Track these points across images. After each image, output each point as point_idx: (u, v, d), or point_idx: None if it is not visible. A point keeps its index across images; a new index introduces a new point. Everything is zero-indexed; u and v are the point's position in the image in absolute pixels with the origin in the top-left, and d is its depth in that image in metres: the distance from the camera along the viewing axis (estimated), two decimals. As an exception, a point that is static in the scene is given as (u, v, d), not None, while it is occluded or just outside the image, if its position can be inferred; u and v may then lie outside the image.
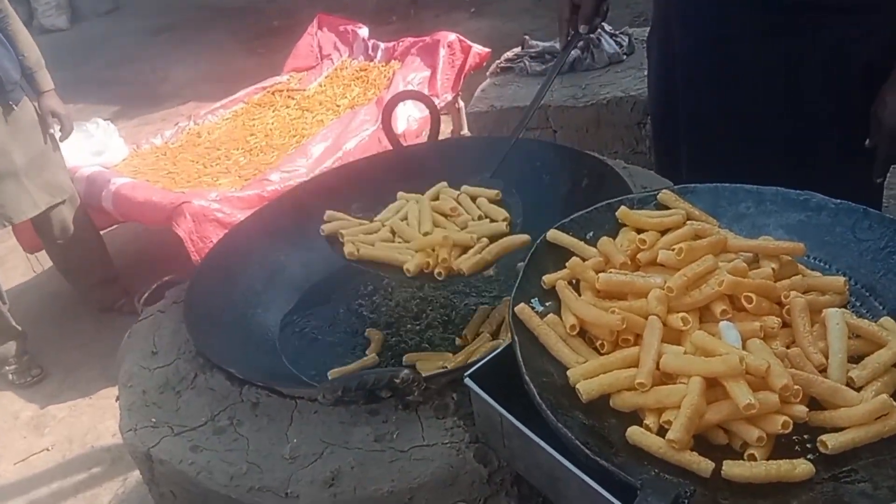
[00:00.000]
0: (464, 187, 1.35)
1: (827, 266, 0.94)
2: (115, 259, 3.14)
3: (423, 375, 0.92)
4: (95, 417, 2.59)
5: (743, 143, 1.34)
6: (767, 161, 0.99)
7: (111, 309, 3.03)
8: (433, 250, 1.15)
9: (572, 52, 2.98)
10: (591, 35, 3.01)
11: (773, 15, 1.27)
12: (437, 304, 1.32)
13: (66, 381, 2.80)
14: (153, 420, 1.10)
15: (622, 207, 0.98)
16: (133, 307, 1.38)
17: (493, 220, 1.25)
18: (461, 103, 3.59)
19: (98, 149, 3.12)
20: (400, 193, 1.36)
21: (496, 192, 1.33)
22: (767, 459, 0.73)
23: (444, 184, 1.36)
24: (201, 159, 3.17)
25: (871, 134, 1.29)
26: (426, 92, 3.48)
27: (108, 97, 5.65)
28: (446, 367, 1.06)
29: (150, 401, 1.14)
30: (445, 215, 1.28)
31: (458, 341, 1.20)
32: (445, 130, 3.95)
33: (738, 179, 1.01)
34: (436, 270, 1.13)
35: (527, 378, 0.80)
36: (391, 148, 1.56)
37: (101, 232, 3.05)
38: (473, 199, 1.32)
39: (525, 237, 1.17)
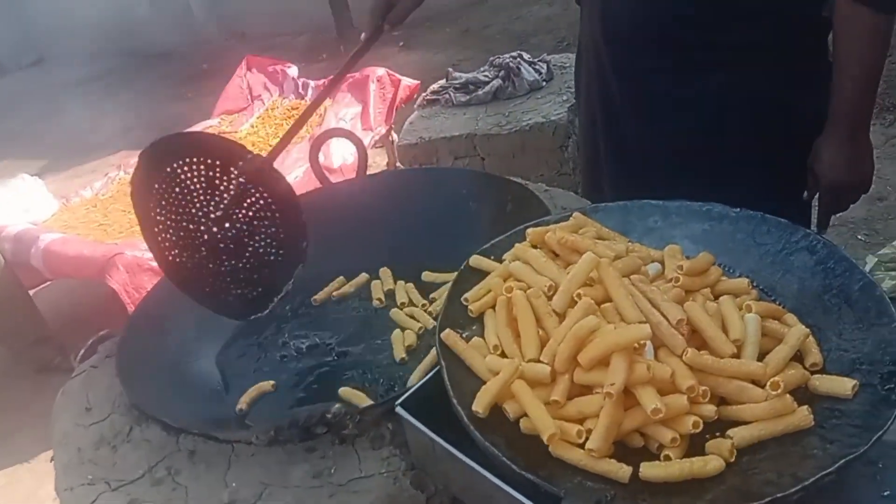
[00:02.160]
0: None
1: (732, 271, 1.00)
2: (49, 317, 3.06)
3: (357, 408, 0.93)
4: (35, 483, 2.51)
5: (664, 177, 1.35)
6: (695, 195, 1.04)
7: (47, 369, 2.95)
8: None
9: (494, 83, 3.08)
10: (511, 65, 3.12)
11: (680, 52, 1.30)
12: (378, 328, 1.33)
13: (2, 447, 2.71)
14: (90, 477, 1.08)
15: (529, 229, 1.02)
16: (70, 365, 1.36)
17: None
18: (395, 136, 3.65)
19: (25, 205, 3.06)
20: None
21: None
22: (683, 458, 0.77)
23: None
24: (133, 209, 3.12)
25: (809, 187, 1.33)
26: (360, 126, 3.53)
27: (35, 151, 5.54)
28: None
29: (85, 458, 1.12)
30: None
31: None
32: (381, 163, 4.00)
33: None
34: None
35: (454, 401, 0.83)
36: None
37: (33, 290, 2.97)
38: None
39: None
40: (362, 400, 1.06)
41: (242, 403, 1.15)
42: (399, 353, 1.17)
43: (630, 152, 1.47)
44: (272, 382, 1.19)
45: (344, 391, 1.10)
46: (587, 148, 1.65)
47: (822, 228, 1.37)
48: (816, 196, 1.35)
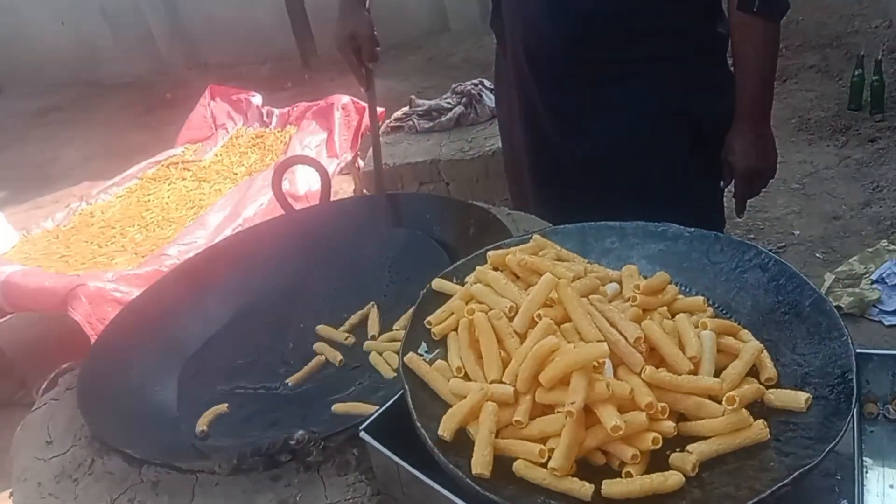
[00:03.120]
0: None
1: (688, 289, 1.02)
2: (10, 350, 2.99)
3: (320, 434, 0.93)
4: (-5, 521, 2.43)
5: (591, 188, 1.50)
6: (617, 206, 1.13)
7: (9, 403, 2.87)
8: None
9: (457, 109, 3.12)
10: (473, 91, 3.16)
11: (595, 67, 1.44)
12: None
13: (-40, 486, 2.62)
14: (50, 512, 1.06)
15: (489, 252, 1.03)
16: (32, 399, 1.33)
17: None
18: (361, 162, 3.66)
19: (-17, 238, 3.01)
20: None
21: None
22: (645, 474, 0.78)
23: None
24: (96, 239, 3.09)
25: (724, 176, 1.50)
26: (325, 153, 3.54)
27: (-6, 183, 5.44)
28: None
29: (45, 492, 1.10)
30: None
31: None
32: (349, 189, 4.00)
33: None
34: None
35: (418, 425, 0.83)
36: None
37: (-9, 324, 2.91)
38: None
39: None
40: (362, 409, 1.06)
41: (202, 426, 1.14)
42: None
43: (555, 166, 1.58)
44: (226, 405, 1.18)
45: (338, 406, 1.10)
46: (511, 165, 1.81)
47: (739, 213, 1.54)
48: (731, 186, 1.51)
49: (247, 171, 3.48)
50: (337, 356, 1.22)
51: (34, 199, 5.02)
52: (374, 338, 1.25)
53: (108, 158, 5.11)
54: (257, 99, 4.09)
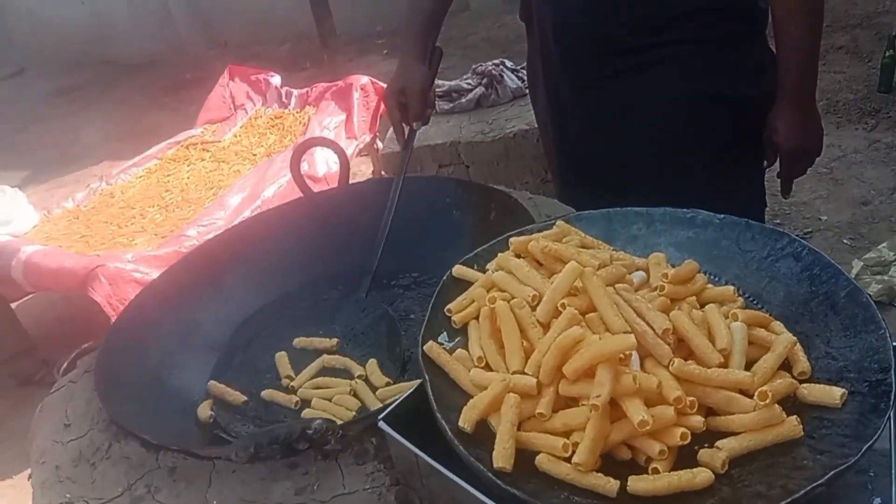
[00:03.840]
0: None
1: (717, 278, 0.99)
2: (32, 329, 3.02)
3: (339, 423, 0.91)
4: (16, 500, 2.46)
5: (622, 178, 1.43)
6: (650, 197, 1.08)
7: (30, 382, 2.91)
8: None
9: (477, 90, 3.08)
10: (494, 72, 3.12)
11: (627, 56, 1.37)
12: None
13: (-18, 463, 2.66)
14: (67, 496, 1.05)
15: (512, 238, 1.01)
16: (53, 378, 1.33)
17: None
18: (380, 144, 3.63)
19: (5, 218, 3.02)
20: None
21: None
22: (672, 470, 0.75)
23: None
24: (115, 220, 3.10)
25: (768, 157, 1.44)
26: (344, 135, 3.51)
27: (16, 162, 5.48)
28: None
29: (63, 476, 1.09)
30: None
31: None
32: (367, 171, 3.98)
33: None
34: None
35: (438, 415, 0.81)
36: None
37: (15, 303, 2.93)
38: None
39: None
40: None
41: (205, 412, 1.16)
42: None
43: (585, 158, 1.54)
44: (244, 398, 1.17)
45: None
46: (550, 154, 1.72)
47: (786, 194, 1.48)
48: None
49: (266, 151, 3.47)
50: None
51: (55, 178, 5.05)
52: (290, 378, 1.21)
53: (127, 138, 5.13)
54: (276, 79, 4.07)
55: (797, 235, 2.64)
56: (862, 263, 2.41)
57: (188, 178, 3.38)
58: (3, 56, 8.08)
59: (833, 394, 0.78)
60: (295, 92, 3.96)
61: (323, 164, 3.16)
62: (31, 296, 3.04)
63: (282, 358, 1.25)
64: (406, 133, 1.48)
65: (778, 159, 1.42)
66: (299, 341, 1.28)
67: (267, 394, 1.19)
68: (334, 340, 1.26)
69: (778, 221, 2.86)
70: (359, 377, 1.17)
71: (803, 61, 1.32)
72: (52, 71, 7.48)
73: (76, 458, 1.12)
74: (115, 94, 6.47)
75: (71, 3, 7.46)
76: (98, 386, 1.17)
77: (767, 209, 1.55)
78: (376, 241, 1.38)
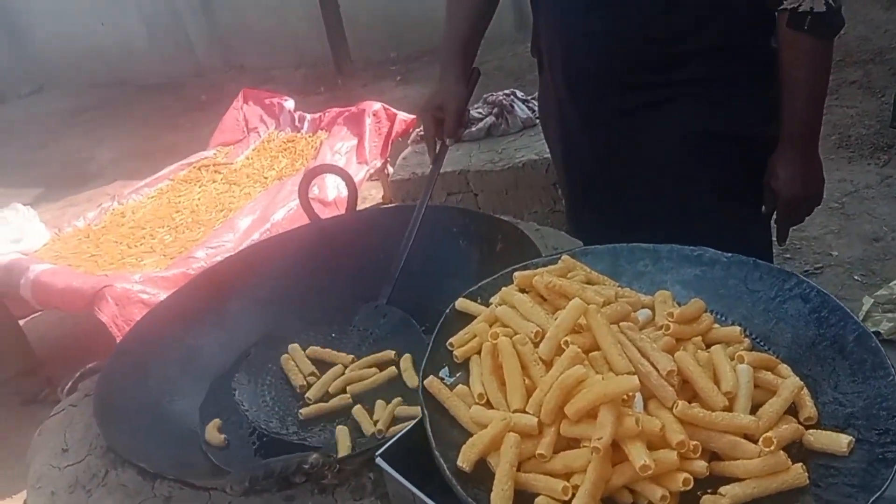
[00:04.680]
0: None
1: (724, 318, 0.97)
2: (38, 347, 3.03)
3: (336, 458, 0.90)
4: (15, 520, 2.45)
5: (631, 213, 1.42)
6: (656, 233, 1.06)
7: (35, 401, 2.90)
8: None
9: (488, 120, 3.09)
10: (505, 102, 3.13)
11: (639, 92, 1.36)
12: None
13: (-17, 482, 2.65)
14: (62, 523, 1.05)
15: (516, 273, 1.00)
16: (57, 397, 1.33)
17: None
18: (390, 169, 3.65)
19: (16, 236, 3.04)
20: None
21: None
22: (673, 516, 0.74)
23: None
24: (125, 240, 3.11)
25: (766, 202, 1.40)
26: (355, 160, 3.53)
27: (30, 180, 5.54)
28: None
29: (58, 502, 1.09)
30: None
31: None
32: (377, 196, 3.99)
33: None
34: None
35: (436, 453, 0.80)
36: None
37: (22, 321, 2.94)
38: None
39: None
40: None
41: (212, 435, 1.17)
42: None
43: (595, 193, 1.53)
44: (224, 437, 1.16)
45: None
46: (563, 188, 1.72)
47: (782, 241, 1.45)
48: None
49: (277, 175, 3.49)
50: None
51: (68, 197, 5.09)
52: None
53: (141, 159, 5.17)
54: (290, 103, 4.11)
55: (807, 271, 2.60)
56: (873, 300, 2.37)
57: (199, 199, 3.40)
58: (23, 74, 8.19)
59: (840, 441, 0.76)
60: (308, 116, 4.00)
61: (333, 188, 3.17)
62: (38, 314, 3.05)
63: (291, 368, 1.26)
64: (438, 148, 1.50)
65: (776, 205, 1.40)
66: (313, 351, 1.28)
67: (305, 411, 1.18)
68: (350, 357, 1.27)
69: (788, 256, 2.84)
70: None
71: (808, 107, 1.30)
72: (71, 90, 7.58)
73: (72, 485, 1.11)
74: (132, 115, 6.54)
75: (91, 25, 7.58)
76: (97, 412, 1.16)
77: (776, 243, 1.52)
78: (401, 247, 1.38)
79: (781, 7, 1.22)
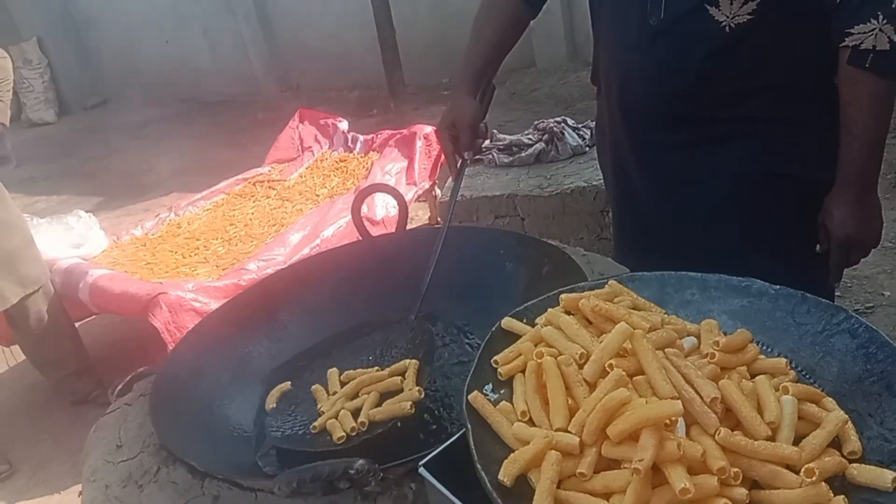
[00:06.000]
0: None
1: (769, 349, 0.97)
2: (91, 350, 3.13)
3: (380, 466, 0.93)
4: (63, 514, 2.53)
5: (681, 247, 1.41)
6: (709, 270, 1.06)
7: (85, 401, 3.00)
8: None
9: (538, 146, 3.12)
10: (556, 129, 3.16)
11: (694, 127, 1.36)
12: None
13: (35, 476, 2.74)
14: (114, 516, 1.09)
15: (562, 295, 1.01)
16: (107, 399, 1.38)
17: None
18: (438, 191, 3.69)
19: (77, 241, 3.16)
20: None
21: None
22: (712, 542, 0.74)
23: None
24: (180, 249, 3.21)
25: (821, 241, 1.37)
26: (404, 181, 3.59)
27: (91, 189, 5.74)
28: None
29: (112, 495, 1.13)
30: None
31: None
32: (424, 217, 4.04)
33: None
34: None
35: (478, 467, 0.82)
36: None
37: (79, 323, 3.05)
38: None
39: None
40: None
41: (270, 404, 1.25)
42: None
43: (645, 225, 1.53)
44: (289, 382, 1.27)
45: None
46: (615, 214, 1.72)
47: (834, 282, 1.41)
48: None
49: (329, 193, 3.56)
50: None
51: (126, 206, 5.27)
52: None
53: (198, 172, 5.32)
54: (344, 124, 4.20)
55: (858, 310, 2.55)
56: (926, 343, 2.32)
57: (252, 213, 3.49)
58: (90, 87, 8.53)
59: (885, 476, 0.76)
60: (361, 137, 4.08)
61: (382, 208, 3.23)
62: (93, 317, 3.16)
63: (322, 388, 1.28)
64: (458, 163, 1.53)
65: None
66: (348, 375, 1.30)
67: (318, 423, 1.20)
68: (380, 371, 1.27)
69: (839, 294, 2.79)
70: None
71: (866, 149, 1.26)
72: (133, 104, 7.85)
73: (125, 479, 1.15)
74: (191, 130, 6.75)
75: (157, 42, 7.87)
76: (152, 411, 1.21)
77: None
78: (429, 261, 1.41)
79: (843, 44, 1.21)
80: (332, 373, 1.30)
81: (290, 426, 1.21)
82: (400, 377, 1.22)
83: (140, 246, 3.33)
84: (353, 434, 1.13)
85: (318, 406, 1.22)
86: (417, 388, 1.17)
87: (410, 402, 1.13)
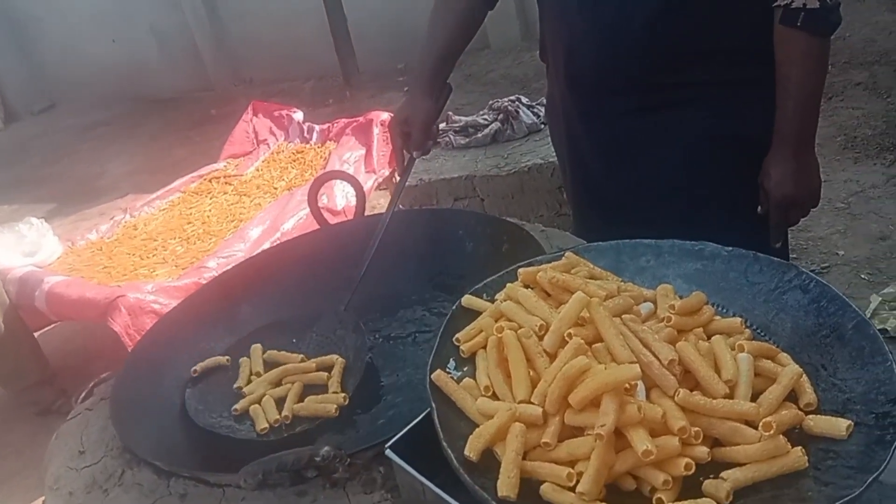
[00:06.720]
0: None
1: (724, 310, 0.99)
2: (53, 359, 3.06)
3: (346, 452, 0.92)
4: (32, 528, 2.48)
5: (637, 216, 1.41)
6: (665, 234, 1.07)
7: (49, 411, 2.93)
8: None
9: (493, 126, 3.12)
10: (510, 108, 3.16)
11: (641, 95, 1.36)
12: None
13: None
14: (80, 522, 1.07)
15: (520, 269, 1.02)
16: (71, 407, 1.36)
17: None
18: (398, 178, 3.67)
19: (30, 249, 3.09)
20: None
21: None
22: (677, 501, 0.75)
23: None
24: (138, 251, 3.15)
25: (761, 202, 1.38)
26: (363, 169, 3.57)
27: (43, 195, 5.60)
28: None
29: (76, 502, 1.11)
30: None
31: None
32: (385, 204, 4.01)
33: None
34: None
35: (444, 444, 0.82)
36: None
37: (37, 332, 2.98)
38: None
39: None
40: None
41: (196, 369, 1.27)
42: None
43: (601, 198, 1.53)
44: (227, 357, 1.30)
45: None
46: (567, 188, 1.73)
47: (775, 243, 1.40)
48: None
49: (287, 185, 3.53)
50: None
51: (81, 211, 5.15)
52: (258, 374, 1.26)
53: (152, 172, 5.22)
54: (299, 115, 4.15)
55: (814, 270, 2.61)
56: (880, 298, 2.38)
57: (210, 210, 3.43)
58: (35, 91, 8.29)
59: (839, 425, 0.78)
60: (317, 127, 4.04)
61: (342, 197, 3.20)
62: (53, 325, 3.09)
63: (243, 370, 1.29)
64: (406, 161, 1.53)
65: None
66: (270, 354, 1.30)
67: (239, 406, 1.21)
68: (300, 356, 1.28)
69: (794, 256, 2.84)
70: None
71: (802, 109, 1.27)
72: (82, 106, 7.65)
73: (90, 485, 1.13)
74: (143, 129, 6.61)
75: (102, 41, 7.67)
76: (112, 414, 1.19)
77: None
78: (363, 255, 1.40)
79: (776, 4, 1.22)
80: (256, 348, 1.31)
81: (213, 403, 1.24)
82: (326, 373, 1.22)
83: (96, 250, 3.26)
84: (276, 426, 1.14)
85: (236, 385, 1.25)
86: (343, 394, 1.16)
87: (335, 406, 1.14)
